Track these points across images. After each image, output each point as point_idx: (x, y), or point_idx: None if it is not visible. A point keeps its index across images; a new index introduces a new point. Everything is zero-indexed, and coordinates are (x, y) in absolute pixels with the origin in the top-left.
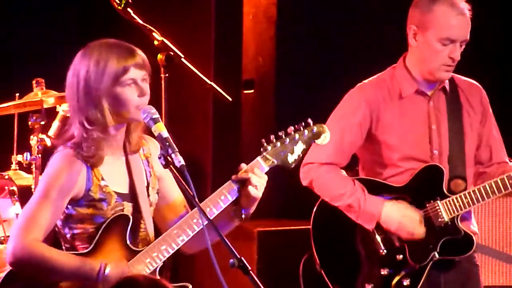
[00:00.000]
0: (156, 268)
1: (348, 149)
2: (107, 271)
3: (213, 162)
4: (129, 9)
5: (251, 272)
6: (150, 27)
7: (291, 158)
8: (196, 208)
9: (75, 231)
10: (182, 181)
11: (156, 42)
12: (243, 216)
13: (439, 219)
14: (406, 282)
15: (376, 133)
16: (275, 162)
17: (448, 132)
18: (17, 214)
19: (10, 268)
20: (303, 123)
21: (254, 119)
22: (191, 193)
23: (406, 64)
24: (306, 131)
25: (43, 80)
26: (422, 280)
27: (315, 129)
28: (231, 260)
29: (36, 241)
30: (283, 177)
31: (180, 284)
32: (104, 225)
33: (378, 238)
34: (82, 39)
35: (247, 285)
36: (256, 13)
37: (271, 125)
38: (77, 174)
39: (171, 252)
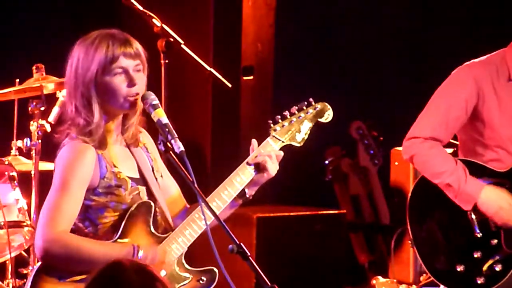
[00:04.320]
0: (182, 253)
1: (453, 124)
2: (140, 254)
3: (212, 148)
4: None
5: (250, 257)
6: (150, 13)
7: (299, 137)
8: (216, 190)
9: (98, 222)
10: (182, 167)
11: (155, 29)
12: (247, 196)
13: None
14: (498, 268)
15: (482, 112)
16: (284, 142)
17: None
18: (17, 200)
19: (41, 261)
20: (306, 102)
21: (253, 106)
22: (191, 179)
23: None
24: (310, 110)
25: (43, 66)
26: None
27: (318, 107)
28: (230, 246)
29: (66, 233)
30: (281, 164)
31: (206, 268)
32: (128, 213)
33: (475, 220)
34: (82, 25)
35: (246, 271)
36: None
37: (270, 112)
38: (90, 162)
39: (196, 236)
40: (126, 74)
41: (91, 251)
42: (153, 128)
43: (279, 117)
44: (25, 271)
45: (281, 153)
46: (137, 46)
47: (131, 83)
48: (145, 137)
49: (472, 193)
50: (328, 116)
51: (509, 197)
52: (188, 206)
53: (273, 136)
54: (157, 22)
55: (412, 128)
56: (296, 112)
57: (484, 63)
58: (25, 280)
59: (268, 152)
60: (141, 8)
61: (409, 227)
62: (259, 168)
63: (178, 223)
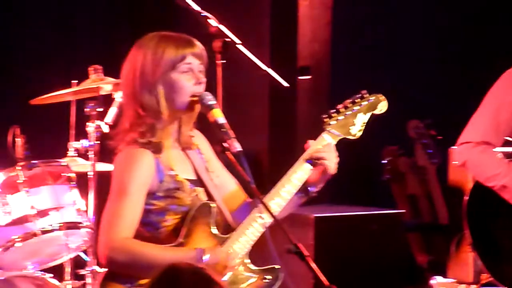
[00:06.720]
0: (246, 253)
1: (503, 127)
2: (205, 257)
3: (269, 149)
4: None
5: (307, 258)
6: (206, 14)
7: (354, 130)
8: (274, 189)
9: (159, 225)
10: (239, 167)
11: (212, 29)
12: (312, 193)
13: None
14: None
15: None
16: (340, 136)
17: None
18: (74, 201)
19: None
20: (359, 95)
21: (310, 106)
22: (248, 179)
23: None
24: (363, 102)
25: (100, 67)
26: None
27: (371, 99)
28: (288, 246)
29: (129, 239)
30: (339, 163)
31: (269, 266)
32: (189, 215)
33: None
34: (137, 26)
35: (304, 271)
36: None
37: (326, 112)
38: (148, 166)
39: (258, 235)
40: (192, 72)
41: (156, 257)
42: (210, 128)
43: (333, 111)
44: (83, 272)
45: (336, 153)
46: (202, 48)
47: (197, 81)
48: (198, 138)
49: None
50: (382, 108)
51: None
52: (249, 199)
53: (328, 131)
54: (213, 22)
55: (463, 133)
56: (350, 105)
57: None
58: (83, 281)
59: (324, 146)
60: (196, 8)
61: (468, 232)
62: (316, 163)
63: (239, 218)
